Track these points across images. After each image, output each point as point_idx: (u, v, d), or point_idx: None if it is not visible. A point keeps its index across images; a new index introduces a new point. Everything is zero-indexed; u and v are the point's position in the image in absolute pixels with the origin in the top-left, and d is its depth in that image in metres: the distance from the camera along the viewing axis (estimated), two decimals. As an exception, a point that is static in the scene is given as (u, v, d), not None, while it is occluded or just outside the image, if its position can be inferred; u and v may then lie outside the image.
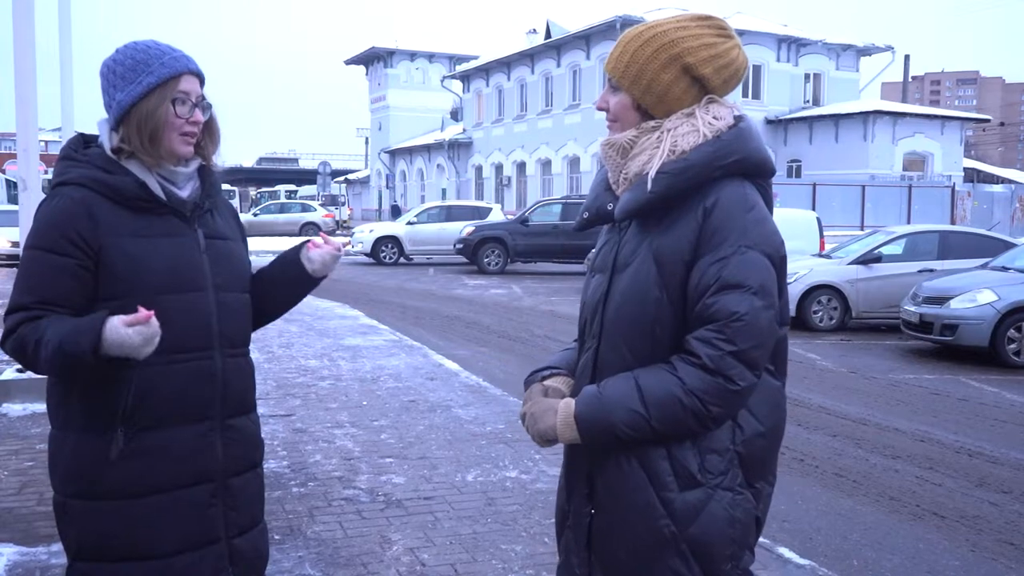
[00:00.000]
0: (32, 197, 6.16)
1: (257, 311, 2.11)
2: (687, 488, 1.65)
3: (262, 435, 2.14)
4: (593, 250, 1.91)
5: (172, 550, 1.87)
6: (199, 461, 1.90)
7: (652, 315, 1.67)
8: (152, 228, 1.87)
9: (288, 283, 2.13)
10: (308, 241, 2.13)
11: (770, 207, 1.73)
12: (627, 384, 1.65)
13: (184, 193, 1.94)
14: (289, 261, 2.12)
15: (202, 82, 1.93)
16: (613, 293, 1.74)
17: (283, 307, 2.18)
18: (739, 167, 1.68)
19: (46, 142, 39.56)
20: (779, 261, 1.68)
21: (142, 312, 1.68)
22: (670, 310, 1.67)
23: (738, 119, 1.71)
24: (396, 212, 42.62)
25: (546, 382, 1.87)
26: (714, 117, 1.69)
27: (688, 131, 1.68)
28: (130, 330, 1.68)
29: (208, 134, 1.97)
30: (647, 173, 1.68)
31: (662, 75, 1.69)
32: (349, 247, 23.97)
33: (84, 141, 1.95)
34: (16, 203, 8.01)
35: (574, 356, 1.90)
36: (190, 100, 1.89)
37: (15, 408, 6.21)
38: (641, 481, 1.67)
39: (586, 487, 1.78)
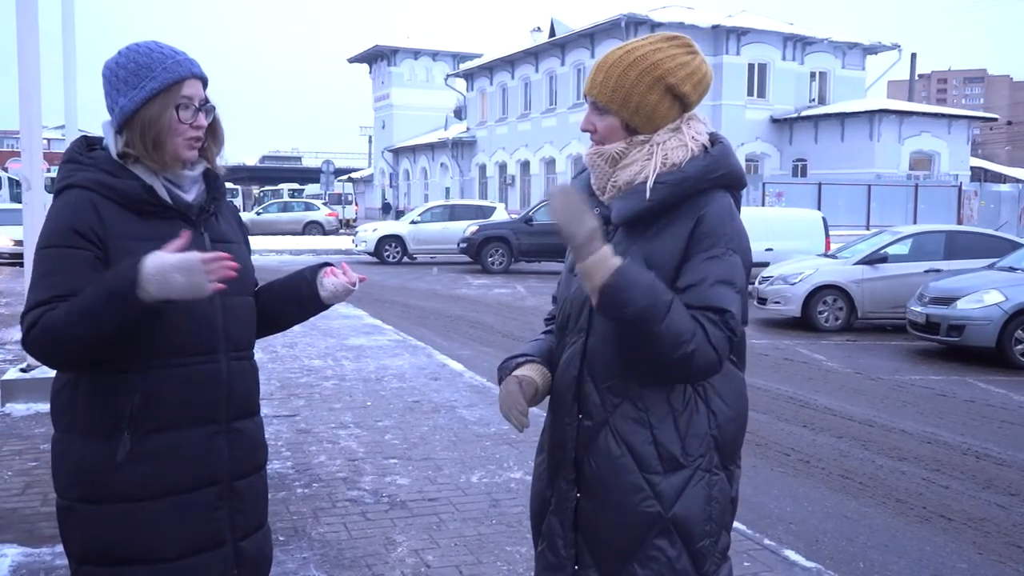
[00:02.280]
0: (35, 197, 6.14)
1: (265, 321, 2.10)
2: (671, 471, 1.79)
3: (266, 436, 2.13)
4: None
5: (179, 553, 1.86)
6: (206, 464, 1.89)
7: None
8: (158, 232, 1.84)
9: (299, 300, 2.12)
10: (328, 264, 2.11)
11: (739, 210, 1.91)
12: (666, 293, 1.71)
13: (189, 197, 1.93)
14: (305, 280, 2.11)
15: (205, 85, 1.91)
16: None
17: (290, 322, 2.17)
18: (725, 180, 1.84)
19: (49, 140, 39.59)
20: (749, 267, 1.87)
21: (184, 237, 1.70)
22: None
23: (713, 135, 1.88)
24: (387, 209, 42.47)
25: (518, 372, 1.91)
26: (696, 133, 1.85)
27: (676, 145, 1.83)
28: (172, 257, 1.66)
29: (212, 137, 1.96)
30: (639, 182, 1.81)
31: (649, 96, 1.82)
32: (353, 246, 23.98)
33: (88, 143, 1.93)
34: (19, 201, 8.00)
35: (546, 345, 2.01)
36: (193, 105, 1.87)
37: (19, 408, 6.20)
38: (629, 465, 1.80)
39: (572, 472, 1.88)
